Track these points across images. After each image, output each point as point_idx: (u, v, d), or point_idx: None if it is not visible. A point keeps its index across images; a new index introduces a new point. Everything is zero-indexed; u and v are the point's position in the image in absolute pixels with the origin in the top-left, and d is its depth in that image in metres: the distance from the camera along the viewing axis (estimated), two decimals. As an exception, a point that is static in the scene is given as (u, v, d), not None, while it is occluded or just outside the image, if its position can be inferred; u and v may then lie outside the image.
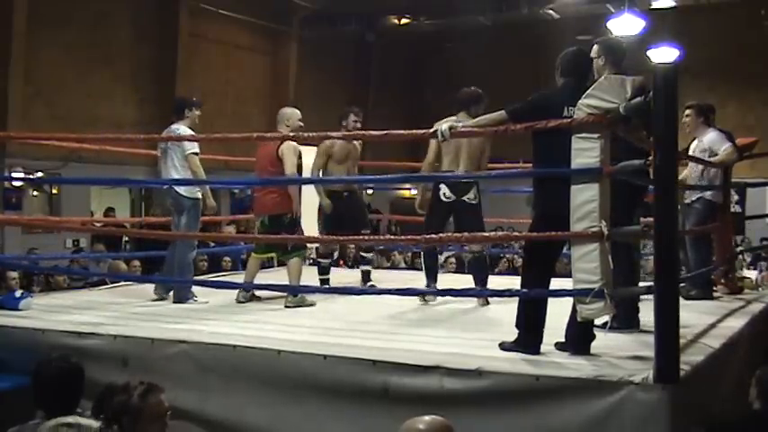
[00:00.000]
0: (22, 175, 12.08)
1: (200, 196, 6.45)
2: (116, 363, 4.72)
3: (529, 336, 4.32)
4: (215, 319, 5.52)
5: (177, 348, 4.71)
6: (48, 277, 9.52)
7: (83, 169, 11.81)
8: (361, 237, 7.06)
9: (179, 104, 6.70)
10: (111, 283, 7.77)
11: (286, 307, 6.01)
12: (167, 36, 15.10)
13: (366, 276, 7.14)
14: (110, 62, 13.98)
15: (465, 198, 6.13)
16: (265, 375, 4.40)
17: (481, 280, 6.29)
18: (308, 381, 4.27)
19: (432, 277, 6.39)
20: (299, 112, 6.49)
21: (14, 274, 8.30)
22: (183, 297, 6.28)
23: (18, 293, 6.24)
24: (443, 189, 6.15)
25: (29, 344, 5.02)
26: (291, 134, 6.23)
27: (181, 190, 6.36)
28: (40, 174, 12.39)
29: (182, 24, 15.21)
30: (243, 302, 6.23)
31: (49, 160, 12.13)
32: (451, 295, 6.13)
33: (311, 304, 6.08)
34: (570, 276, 4.19)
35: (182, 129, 6.45)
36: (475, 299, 6.15)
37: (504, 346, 4.37)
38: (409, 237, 6.07)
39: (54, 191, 13.84)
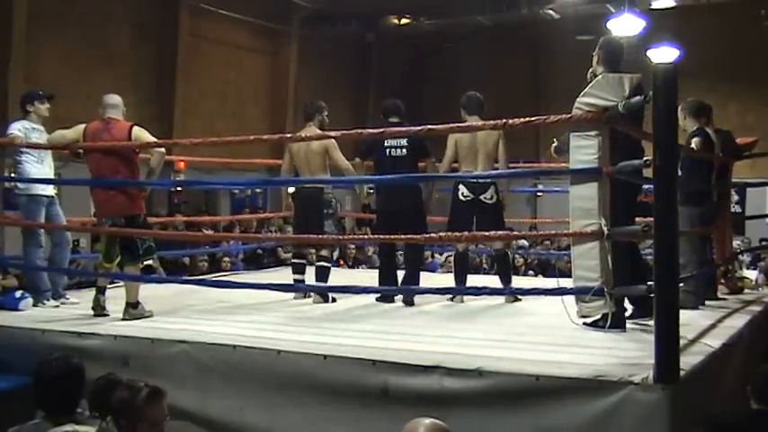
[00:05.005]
0: (22, 175, 12.04)
1: (38, 191, 6.41)
2: (116, 363, 4.71)
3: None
4: (215, 319, 5.52)
5: (177, 348, 4.71)
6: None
7: (83, 169, 11.76)
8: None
9: (21, 101, 6.55)
10: (111, 283, 7.76)
11: (123, 319, 5.50)
12: (167, 36, 15.09)
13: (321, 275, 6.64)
14: (110, 62, 13.94)
15: (482, 197, 6.23)
16: (265, 375, 4.39)
17: (505, 277, 6.47)
18: (308, 381, 4.26)
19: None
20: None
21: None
22: (36, 299, 6.10)
23: (18, 293, 6.23)
24: (462, 189, 6.28)
25: (29, 344, 5.03)
26: (290, 135, 6.22)
27: (21, 186, 6.37)
28: (40, 174, 12.35)
29: (182, 24, 15.20)
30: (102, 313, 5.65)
31: (48, 160, 12.10)
32: (453, 293, 6.15)
33: (149, 315, 5.61)
34: (570, 276, 4.19)
35: (13, 126, 6.34)
36: (475, 298, 6.16)
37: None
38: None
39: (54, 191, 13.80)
